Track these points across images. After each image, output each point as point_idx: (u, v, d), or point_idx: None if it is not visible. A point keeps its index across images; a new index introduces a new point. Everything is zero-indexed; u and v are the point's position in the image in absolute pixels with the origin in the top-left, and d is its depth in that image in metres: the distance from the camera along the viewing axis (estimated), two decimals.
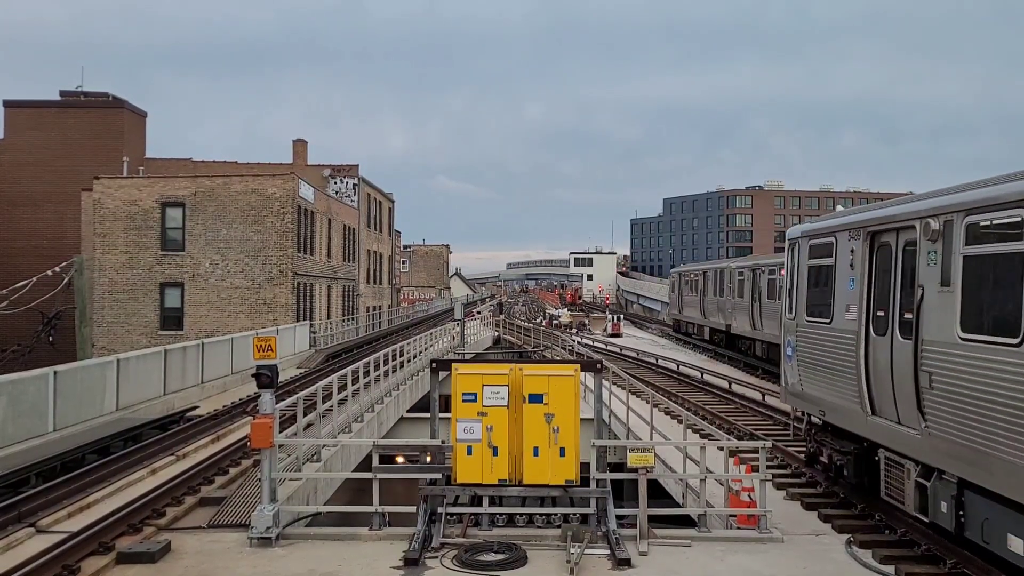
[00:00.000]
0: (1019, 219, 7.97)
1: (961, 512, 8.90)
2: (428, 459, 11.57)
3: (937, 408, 9.13)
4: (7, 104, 54.45)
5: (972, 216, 8.75)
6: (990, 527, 8.47)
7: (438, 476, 11.36)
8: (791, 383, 13.87)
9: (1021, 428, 7.75)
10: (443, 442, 11.48)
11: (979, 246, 8.69)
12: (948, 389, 8.94)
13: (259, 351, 11.30)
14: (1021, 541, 7.97)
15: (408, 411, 25.20)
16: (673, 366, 33.83)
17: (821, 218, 13.75)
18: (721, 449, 12.62)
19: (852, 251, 11.46)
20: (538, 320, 68.49)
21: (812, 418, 13.48)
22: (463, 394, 11.22)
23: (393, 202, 71.46)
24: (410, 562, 9.89)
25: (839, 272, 11.89)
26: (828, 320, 12.15)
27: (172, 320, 39.93)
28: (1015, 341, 7.85)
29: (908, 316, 9.85)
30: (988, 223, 8.58)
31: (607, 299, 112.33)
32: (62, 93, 57.21)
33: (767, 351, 31.68)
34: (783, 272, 29.91)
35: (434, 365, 12.48)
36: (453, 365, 11.82)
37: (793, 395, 13.92)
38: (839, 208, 16.08)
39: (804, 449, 14.45)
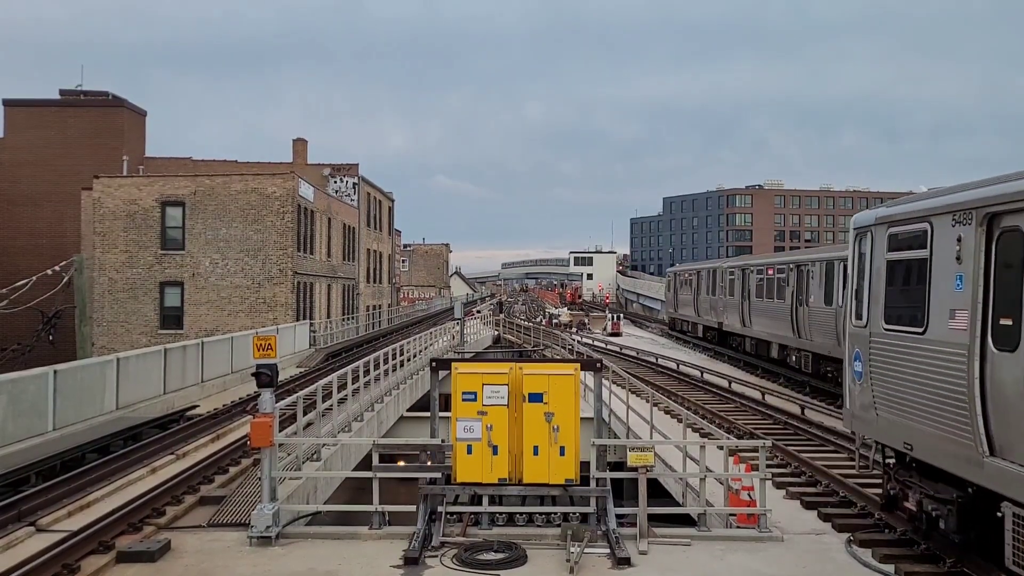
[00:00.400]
0: None
1: None
2: (428, 464, 11.56)
3: None
4: (7, 103, 54.42)
5: None
6: None
7: (438, 475, 11.37)
8: (859, 404, 11.23)
9: None
10: (443, 441, 11.49)
11: None
12: None
13: (259, 350, 11.30)
14: None
15: (408, 410, 25.21)
16: (673, 365, 33.83)
17: (905, 199, 11.06)
18: (721, 448, 12.63)
19: (959, 240, 9.00)
20: (538, 319, 68.47)
21: (887, 449, 11.00)
22: (463, 393, 11.21)
23: (393, 201, 71.44)
24: (410, 561, 9.89)
25: (937, 267, 9.43)
26: (920, 329, 9.67)
27: (172, 319, 39.92)
28: None
29: None
30: None
31: (607, 298, 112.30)
32: (62, 92, 57.19)
33: (755, 347, 33.59)
34: (771, 272, 30.56)
35: (434, 364, 12.47)
36: (453, 364, 11.82)
37: (862, 420, 11.22)
38: (925, 188, 11.81)
39: (881, 491, 11.74)
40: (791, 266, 28.41)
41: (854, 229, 12.01)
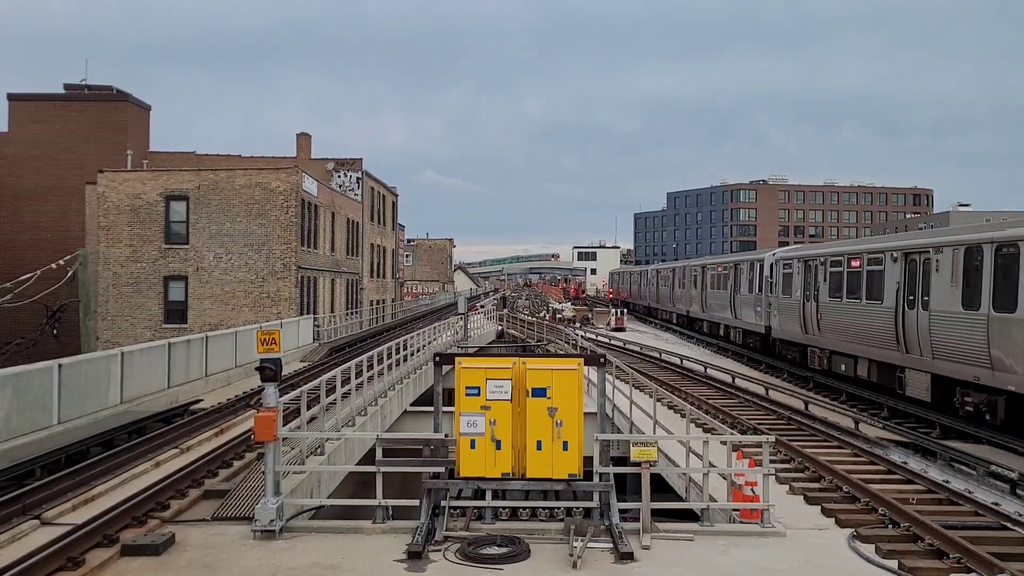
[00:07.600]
0: None
1: None
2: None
3: None
4: (11, 97, 54.44)
5: None
6: None
7: (441, 470, 11.38)
8: None
9: None
10: (446, 435, 11.50)
11: None
12: None
13: (263, 344, 11.30)
14: None
15: (412, 405, 25.24)
16: (676, 360, 33.82)
17: None
18: (724, 443, 12.63)
19: None
20: (541, 314, 68.43)
21: None
22: (466, 388, 11.22)
23: (396, 196, 71.39)
24: (413, 555, 9.91)
25: None
26: None
27: (176, 313, 39.99)
28: None
29: None
30: None
31: (610, 293, 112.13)
32: (66, 86, 57.13)
33: (644, 311, 64.67)
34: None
35: (437, 359, 12.47)
36: (456, 359, 11.81)
37: None
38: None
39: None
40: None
41: None
